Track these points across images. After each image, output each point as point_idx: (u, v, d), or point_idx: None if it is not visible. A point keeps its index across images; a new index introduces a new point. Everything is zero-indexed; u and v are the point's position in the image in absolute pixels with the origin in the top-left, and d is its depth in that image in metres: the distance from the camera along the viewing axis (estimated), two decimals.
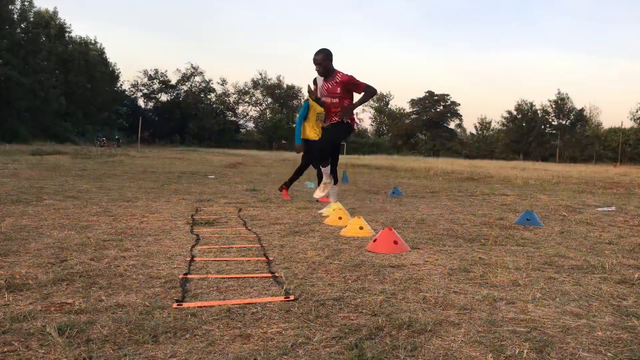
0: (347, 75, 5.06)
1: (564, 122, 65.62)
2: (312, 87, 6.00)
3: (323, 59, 5.04)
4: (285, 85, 78.31)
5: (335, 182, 5.72)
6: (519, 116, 69.42)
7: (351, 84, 5.01)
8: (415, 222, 4.81)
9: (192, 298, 2.20)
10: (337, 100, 5.08)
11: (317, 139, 6.46)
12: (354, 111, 5.25)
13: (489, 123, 79.54)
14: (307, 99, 6.54)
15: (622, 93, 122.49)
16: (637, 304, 2.28)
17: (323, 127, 5.52)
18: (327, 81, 5.12)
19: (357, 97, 5.13)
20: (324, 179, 5.34)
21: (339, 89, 5.05)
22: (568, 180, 13.43)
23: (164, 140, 64.87)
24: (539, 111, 68.04)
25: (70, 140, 43.20)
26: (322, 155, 5.30)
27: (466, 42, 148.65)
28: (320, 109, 6.44)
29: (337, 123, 5.16)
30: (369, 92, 4.97)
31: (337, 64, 5.46)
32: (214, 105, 75.33)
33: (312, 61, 5.08)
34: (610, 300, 2.33)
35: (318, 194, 5.31)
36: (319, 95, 5.41)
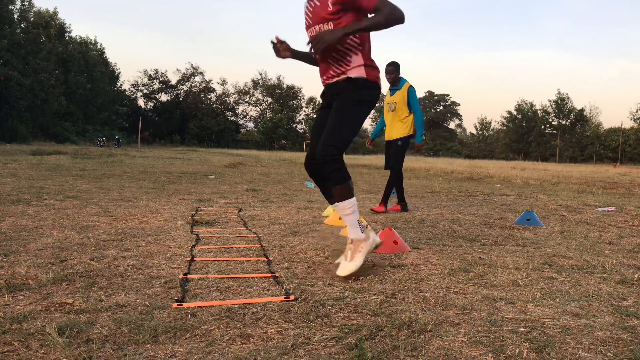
0: None
1: (564, 122, 65.56)
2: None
3: None
4: (285, 85, 78.33)
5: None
6: (519, 116, 69.35)
7: None
8: (415, 222, 4.81)
9: (192, 298, 2.20)
10: (330, 26, 2.63)
11: (391, 137, 5.66)
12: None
13: (489, 123, 79.52)
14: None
15: (622, 93, 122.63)
16: (637, 304, 2.28)
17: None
18: None
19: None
20: (351, 232, 2.68)
21: (332, 5, 2.59)
22: (568, 180, 13.43)
23: (164, 140, 64.88)
24: (539, 111, 67.98)
25: (70, 140, 43.26)
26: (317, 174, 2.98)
27: (466, 42, 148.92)
28: (389, 98, 5.72)
29: (340, 94, 2.73)
30: (387, 14, 2.49)
31: None
32: (214, 105, 75.32)
33: None
34: (610, 300, 2.33)
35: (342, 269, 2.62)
36: (307, 33, 2.81)
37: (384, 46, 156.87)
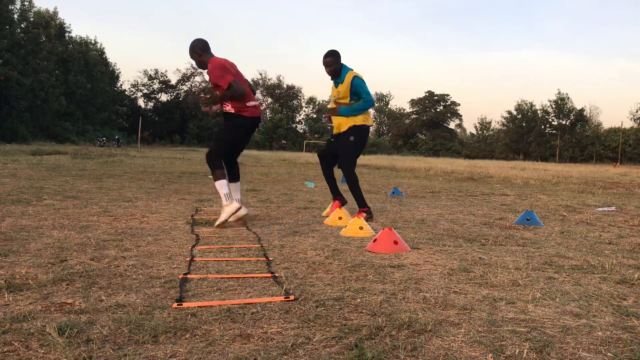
0: (212, 64, 4.25)
1: (564, 122, 65.54)
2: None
3: (196, 52, 4.33)
4: (285, 85, 78.35)
5: (237, 179, 4.86)
6: (519, 116, 69.35)
7: (213, 78, 4.28)
8: (415, 222, 4.81)
9: (192, 298, 2.20)
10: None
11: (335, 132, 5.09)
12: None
13: (489, 123, 79.60)
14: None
15: (622, 93, 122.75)
16: (637, 304, 2.28)
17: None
18: None
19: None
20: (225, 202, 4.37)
21: (212, 85, 4.40)
22: (568, 180, 13.43)
23: (164, 140, 64.88)
24: (539, 111, 67.96)
25: (70, 140, 43.27)
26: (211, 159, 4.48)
27: (466, 42, 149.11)
28: (334, 91, 5.00)
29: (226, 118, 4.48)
30: (231, 92, 4.22)
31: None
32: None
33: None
34: (610, 300, 2.33)
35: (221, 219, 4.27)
36: None
37: (383, 46, 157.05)
